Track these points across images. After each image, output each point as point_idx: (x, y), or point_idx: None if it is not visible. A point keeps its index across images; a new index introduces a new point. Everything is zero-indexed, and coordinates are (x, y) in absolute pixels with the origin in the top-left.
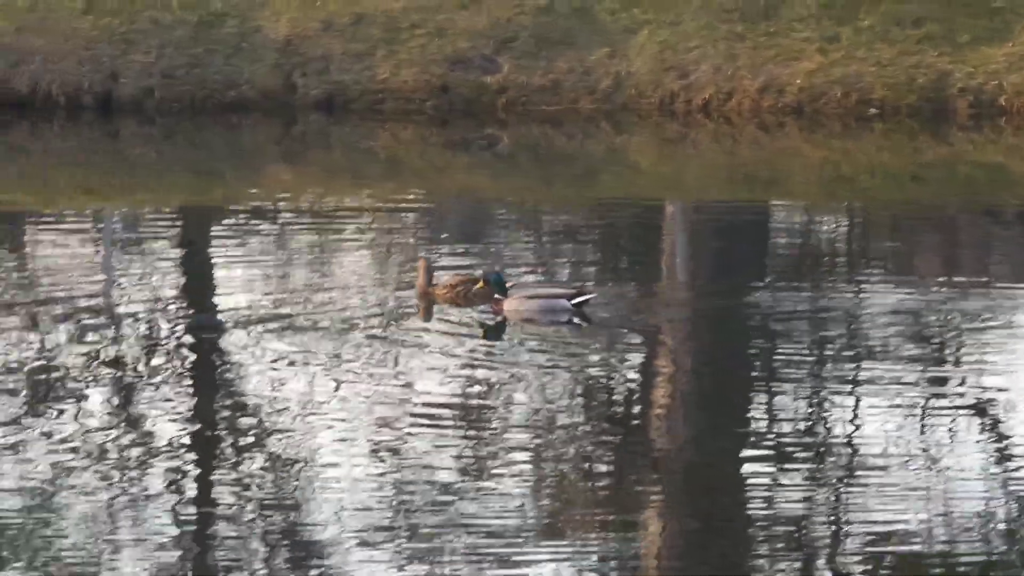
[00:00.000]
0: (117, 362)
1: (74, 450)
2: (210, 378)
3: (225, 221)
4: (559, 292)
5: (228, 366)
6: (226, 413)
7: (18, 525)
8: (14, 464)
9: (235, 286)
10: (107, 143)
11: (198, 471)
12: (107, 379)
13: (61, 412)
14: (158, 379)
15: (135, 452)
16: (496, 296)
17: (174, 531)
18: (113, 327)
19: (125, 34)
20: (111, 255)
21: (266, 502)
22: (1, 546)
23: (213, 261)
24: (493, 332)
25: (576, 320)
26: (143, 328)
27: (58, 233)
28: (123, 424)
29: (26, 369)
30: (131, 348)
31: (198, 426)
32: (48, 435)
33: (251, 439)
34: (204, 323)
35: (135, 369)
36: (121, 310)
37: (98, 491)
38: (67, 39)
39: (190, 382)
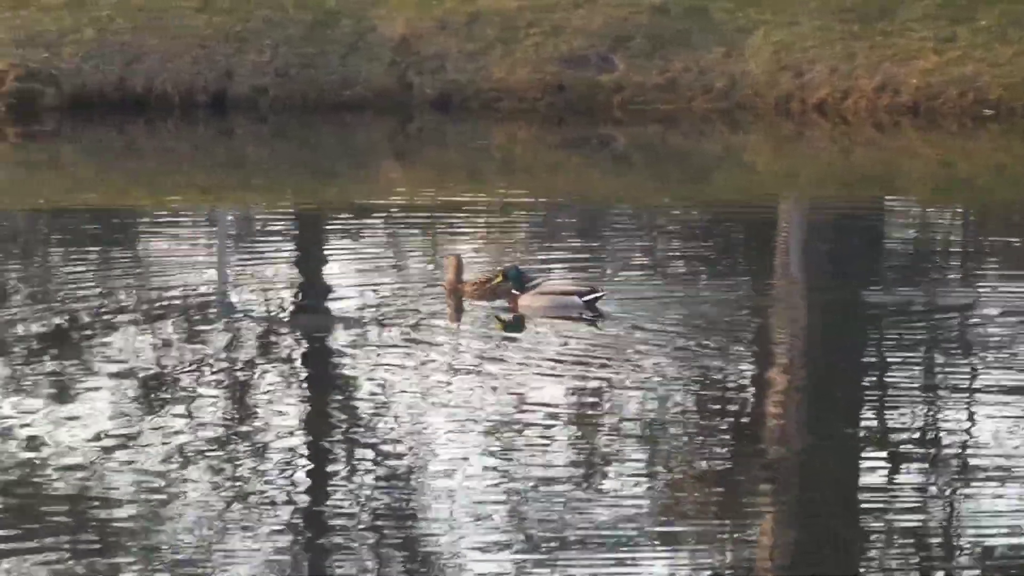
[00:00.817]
0: (230, 361)
1: (187, 450)
2: (322, 376)
3: (338, 219)
4: (571, 289)
5: (340, 365)
6: (338, 412)
7: (133, 528)
8: (128, 464)
9: (348, 284)
10: (221, 141)
11: (310, 472)
12: (220, 378)
13: (174, 411)
14: (271, 378)
15: (248, 452)
16: (513, 291)
17: (288, 535)
18: (226, 325)
19: (239, 33)
20: (225, 253)
21: (380, 504)
22: (117, 548)
23: (326, 259)
24: (511, 327)
25: (589, 316)
26: (256, 327)
27: (172, 231)
28: (236, 424)
29: (139, 368)
30: (244, 347)
31: (310, 425)
32: (162, 435)
33: (364, 438)
34: (316, 321)
35: (248, 368)
36: (234, 309)
37: (212, 493)
38: (182, 38)
39: (303, 381)
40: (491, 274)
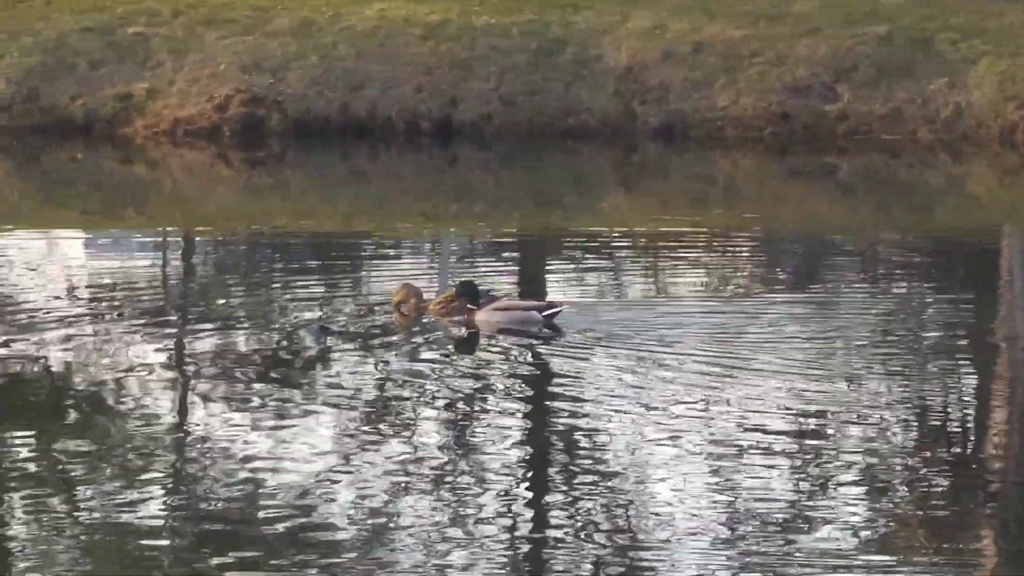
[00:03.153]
0: (452, 385)
1: (406, 472)
2: (544, 400)
3: (561, 248)
4: (531, 304)
5: (564, 387)
6: (559, 435)
7: (352, 551)
8: (347, 486)
9: (569, 311)
10: (445, 168)
11: (529, 495)
12: (442, 401)
13: (394, 434)
14: (492, 400)
15: (467, 475)
16: (468, 306)
17: (506, 557)
18: (447, 351)
19: (464, 60)
20: (447, 280)
21: (600, 529)
22: (336, 570)
23: (549, 286)
24: (464, 343)
25: (547, 332)
26: (477, 351)
27: (395, 257)
28: (456, 446)
29: (360, 391)
30: (464, 371)
31: (529, 448)
32: (381, 457)
33: (583, 461)
34: (535, 345)
35: (468, 392)
36: (454, 333)
37: (431, 516)
38: (406, 64)
39: (524, 404)
40: (455, 294)
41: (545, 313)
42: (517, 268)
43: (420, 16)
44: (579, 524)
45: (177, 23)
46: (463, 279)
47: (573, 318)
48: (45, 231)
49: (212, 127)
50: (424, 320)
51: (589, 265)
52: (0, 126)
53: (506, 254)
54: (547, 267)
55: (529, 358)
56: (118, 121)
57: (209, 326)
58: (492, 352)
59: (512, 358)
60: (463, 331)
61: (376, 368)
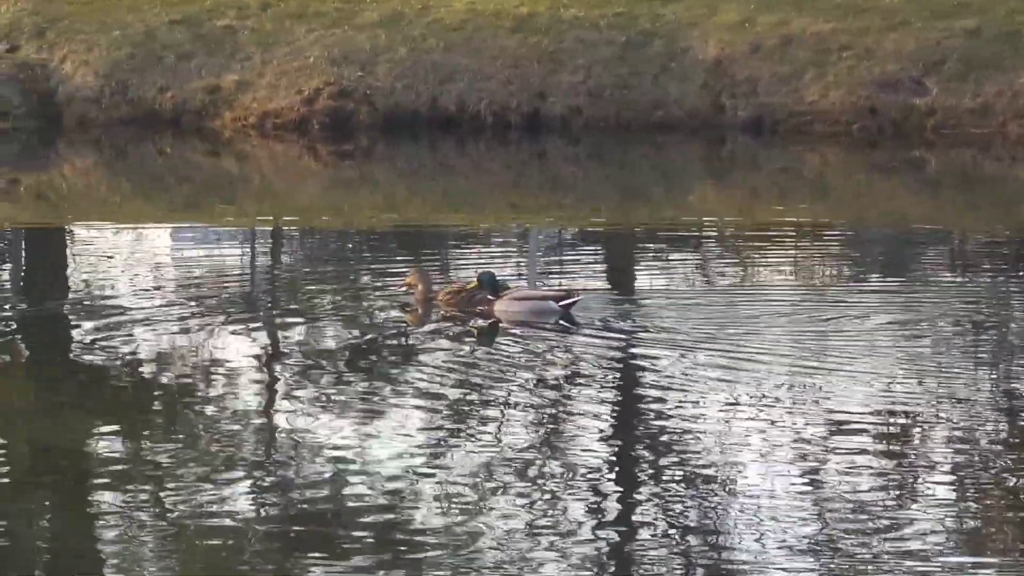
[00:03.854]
0: (541, 379)
1: (494, 468)
2: (634, 395)
3: (649, 241)
4: (547, 294)
5: (649, 380)
6: (647, 431)
7: (439, 547)
8: (434, 482)
9: (656, 306)
10: (533, 161)
11: (617, 493)
12: (531, 396)
13: (482, 429)
14: (582, 396)
15: (555, 472)
16: (488, 296)
17: (594, 556)
18: (536, 346)
19: (553, 53)
20: (536, 273)
21: (689, 529)
22: (423, 566)
23: (636, 281)
24: (486, 333)
25: (563, 322)
26: (563, 345)
27: (483, 250)
28: (544, 442)
29: (448, 384)
30: (555, 365)
31: (617, 444)
32: (469, 452)
33: (671, 455)
34: (622, 339)
35: (557, 386)
36: (542, 327)
37: (518, 513)
38: (495, 58)
39: (613, 399)
40: (467, 283)
41: (562, 303)
42: (604, 261)
43: (509, 8)
44: (666, 523)
45: (266, 16)
46: (484, 270)
47: (660, 310)
48: (133, 224)
49: (300, 120)
50: (435, 310)
51: (676, 257)
52: (89, 119)
53: (594, 247)
54: (635, 259)
55: (615, 351)
56: (206, 114)
57: (297, 319)
58: (578, 344)
59: (597, 351)
60: (484, 323)
61: (463, 361)
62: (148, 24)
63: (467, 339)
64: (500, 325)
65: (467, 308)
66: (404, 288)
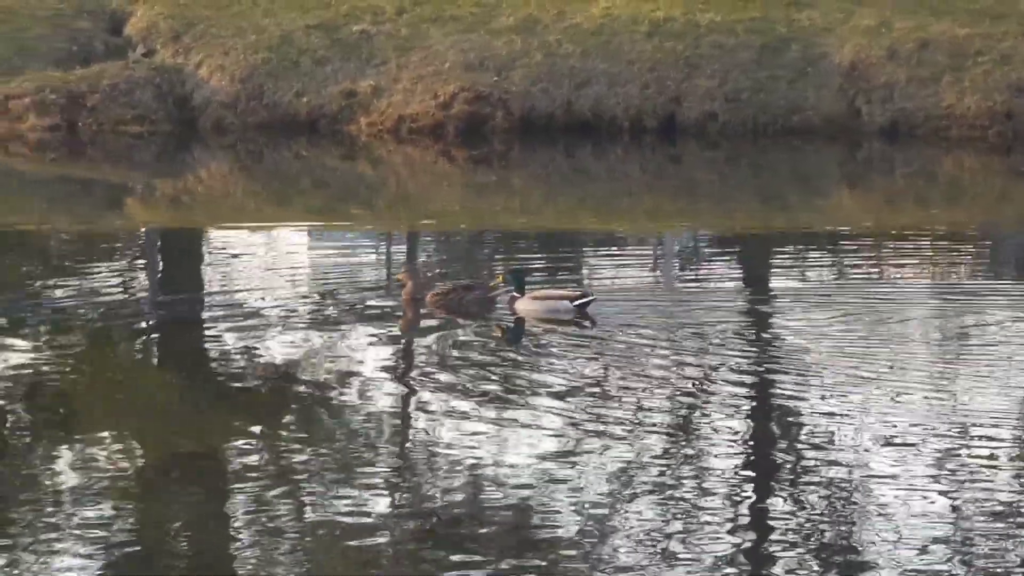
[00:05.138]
0: (674, 380)
1: (630, 470)
2: (767, 398)
3: (785, 247)
4: (563, 294)
5: (781, 388)
6: (782, 434)
7: (573, 548)
8: (570, 485)
9: (791, 313)
10: (669, 166)
11: (753, 496)
12: (664, 396)
13: (615, 429)
14: (714, 397)
15: (690, 473)
16: (513, 294)
17: (726, 553)
18: (671, 346)
19: (689, 58)
20: (671, 278)
21: (824, 532)
22: (557, 566)
23: (771, 287)
24: (512, 332)
25: (579, 320)
26: (698, 348)
27: (617, 254)
28: (679, 443)
29: (583, 385)
30: (688, 367)
31: (752, 446)
32: (603, 453)
33: (805, 456)
34: (757, 343)
35: (689, 387)
36: (679, 334)
37: (653, 514)
38: (631, 63)
39: (743, 397)
40: (456, 285)
41: (577, 303)
42: (741, 265)
43: (645, 13)
44: (801, 526)
45: (401, 21)
46: (513, 267)
47: (795, 312)
48: (269, 227)
49: (436, 125)
50: (423, 309)
51: (813, 261)
52: (225, 123)
53: (730, 251)
54: (771, 264)
55: (744, 351)
56: (342, 118)
57: (431, 322)
58: (709, 347)
59: (729, 352)
60: (512, 318)
61: (595, 363)
62: (284, 29)
63: (597, 343)
64: (522, 322)
65: (457, 310)
66: (397, 280)
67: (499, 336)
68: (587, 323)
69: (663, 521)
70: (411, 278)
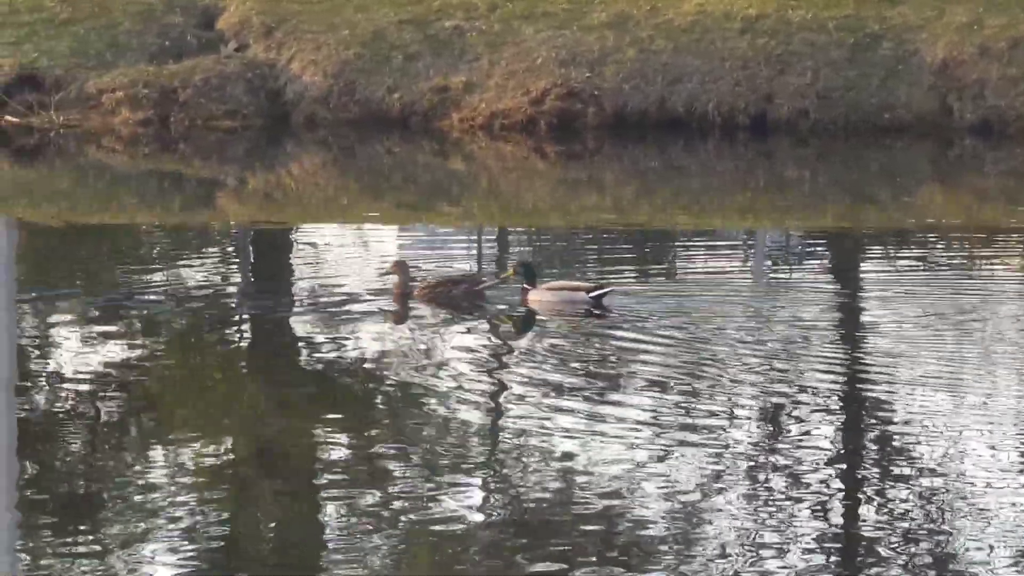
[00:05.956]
0: (764, 381)
1: (719, 469)
2: (857, 399)
3: (875, 245)
4: (579, 285)
5: (872, 383)
6: (873, 435)
7: (662, 547)
8: (661, 481)
9: (880, 313)
10: (761, 163)
11: (842, 498)
12: (754, 397)
13: (705, 428)
14: (806, 398)
15: (780, 473)
16: (524, 286)
17: (818, 552)
18: (763, 346)
19: (781, 55)
20: (763, 276)
21: (912, 534)
22: (645, 565)
23: (861, 286)
24: (522, 323)
25: (596, 312)
26: (789, 348)
27: (710, 251)
28: (767, 437)
29: (674, 383)
30: (777, 367)
31: (842, 448)
32: (693, 451)
33: (896, 455)
34: (848, 345)
35: (781, 389)
36: (769, 334)
37: (743, 514)
38: (724, 59)
39: (833, 393)
40: (446, 279)
41: (593, 294)
42: (830, 263)
43: (738, 10)
44: (891, 523)
45: (494, 16)
46: (523, 260)
47: (884, 308)
48: (360, 223)
49: (528, 121)
50: (411, 303)
51: (903, 259)
52: (317, 118)
53: (820, 248)
54: (861, 261)
55: (835, 348)
56: (434, 114)
57: (520, 315)
58: (798, 339)
59: (819, 348)
60: (523, 309)
61: (686, 359)
62: (376, 24)
63: (688, 338)
64: (533, 314)
65: (446, 303)
66: (385, 273)
67: (510, 328)
68: (653, 317)
69: (755, 524)
70: (400, 272)
